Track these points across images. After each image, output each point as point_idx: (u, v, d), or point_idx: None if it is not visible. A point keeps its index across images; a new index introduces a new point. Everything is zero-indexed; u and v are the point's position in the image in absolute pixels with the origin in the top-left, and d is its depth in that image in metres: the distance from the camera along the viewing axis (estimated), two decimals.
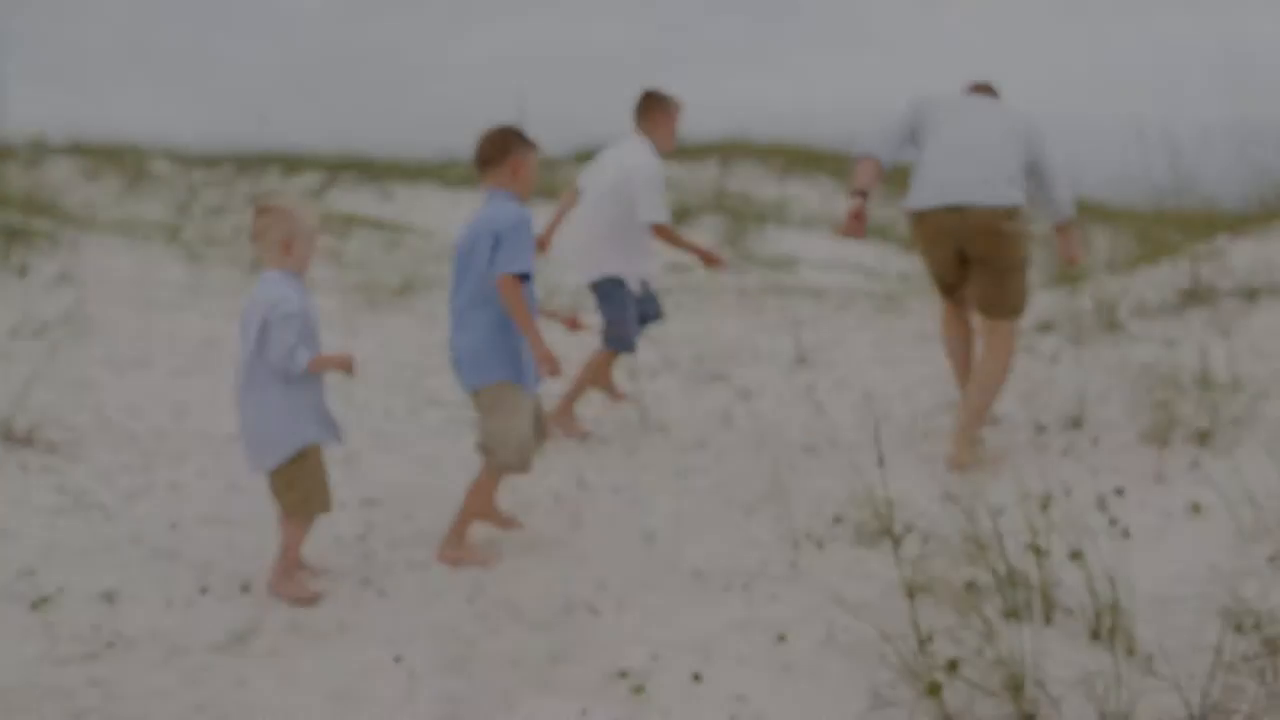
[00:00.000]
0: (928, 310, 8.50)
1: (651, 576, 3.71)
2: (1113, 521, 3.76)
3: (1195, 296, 6.41)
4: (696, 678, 2.95)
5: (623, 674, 2.99)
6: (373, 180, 19.57)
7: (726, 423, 5.63)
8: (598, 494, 4.60)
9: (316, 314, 3.79)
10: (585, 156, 23.68)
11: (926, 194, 4.77)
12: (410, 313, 9.07)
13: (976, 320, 4.97)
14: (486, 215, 3.96)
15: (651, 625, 3.34)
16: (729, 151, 24.06)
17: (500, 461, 3.92)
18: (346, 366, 3.70)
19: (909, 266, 14.44)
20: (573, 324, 4.64)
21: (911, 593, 2.56)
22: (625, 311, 5.57)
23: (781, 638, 3.14)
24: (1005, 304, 4.78)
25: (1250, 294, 6.18)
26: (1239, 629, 2.86)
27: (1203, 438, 4.42)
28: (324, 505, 3.70)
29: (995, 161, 4.74)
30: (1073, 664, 2.76)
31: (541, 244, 5.70)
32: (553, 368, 3.89)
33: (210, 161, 17.91)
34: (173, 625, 3.33)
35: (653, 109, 5.58)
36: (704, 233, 16.77)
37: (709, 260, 5.69)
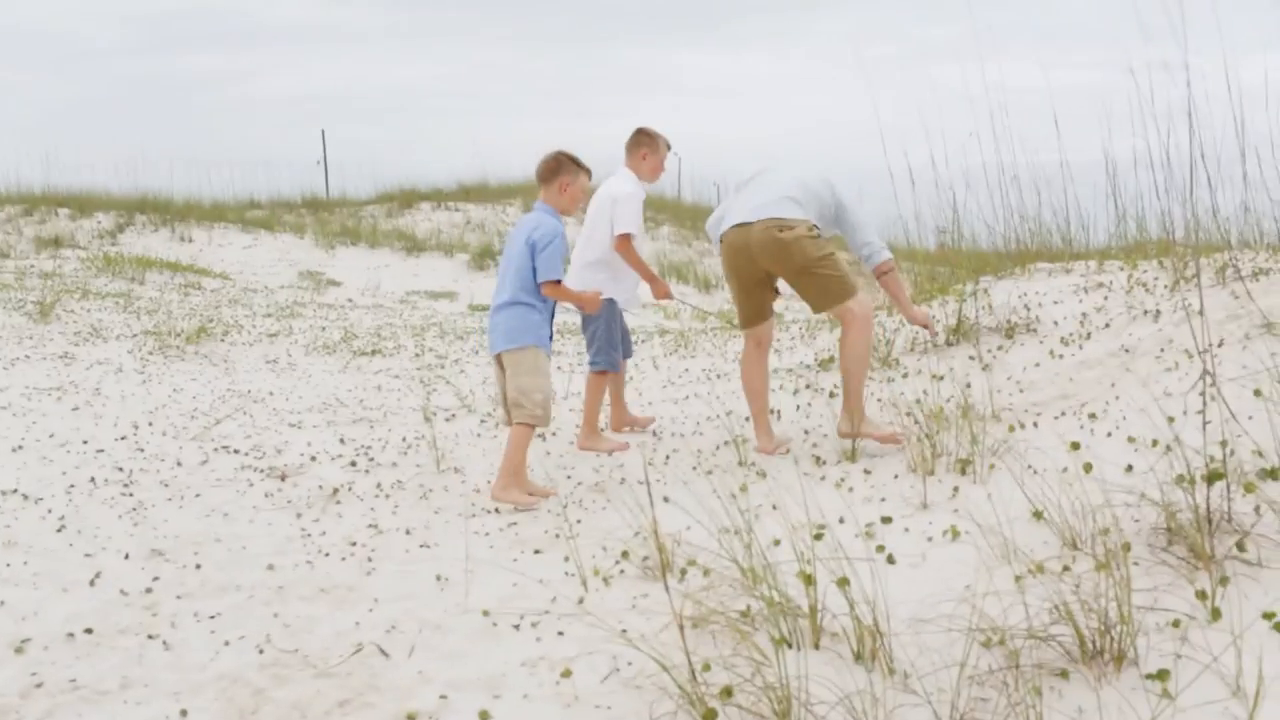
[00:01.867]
0: (717, 350, 8.79)
1: (442, 618, 3.75)
2: (879, 549, 4.00)
3: (961, 333, 6.84)
4: (484, 716, 3.01)
5: (411, 717, 3.04)
6: (169, 222, 19.02)
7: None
8: (390, 537, 4.62)
9: None
10: (387, 198, 23.61)
11: (723, 226, 5.44)
12: (205, 359, 8.87)
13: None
14: (530, 222, 5.07)
15: (441, 666, 3.39)
16: (532, 193, 24.26)
17: (528, 413, 4.96)
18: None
19: (708, 306, 14.82)
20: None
21: (682, 625, 2.69)
22: (611, 331, 6.12)
23: (567, 673, 3.24)
24: (827, 294, 5.30)
25: (1008, 330, 6.62)
26: (986, 645, 3.10)
27: (963, 467, 4.74)
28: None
29: (771, 186, 5.38)
30: (837, 685, 2.93)
31: None
32: (594, 297, 5.35)
33: None
34: None
35: (640, 144, 6.28)
36: None
37: (658, 291, 6.41)
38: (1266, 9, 5.39)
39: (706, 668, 3.10)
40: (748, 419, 6.22)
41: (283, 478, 5.42)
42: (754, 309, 5.57)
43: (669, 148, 6.35)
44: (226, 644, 3.54)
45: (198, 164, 27.01)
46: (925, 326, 5.98)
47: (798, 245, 5.19)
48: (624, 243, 6.04)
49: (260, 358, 9.17)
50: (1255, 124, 6.07)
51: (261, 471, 5.53)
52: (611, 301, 6.08)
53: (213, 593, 3.97)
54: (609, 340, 6.13)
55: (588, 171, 5.24)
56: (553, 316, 5.17)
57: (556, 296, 5.08)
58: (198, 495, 5.16)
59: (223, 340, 9.75)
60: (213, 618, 3.75)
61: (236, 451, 5.93)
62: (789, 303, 14.72)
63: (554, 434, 6.37)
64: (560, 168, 5.15)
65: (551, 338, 5.18)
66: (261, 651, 3.50)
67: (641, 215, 6.14)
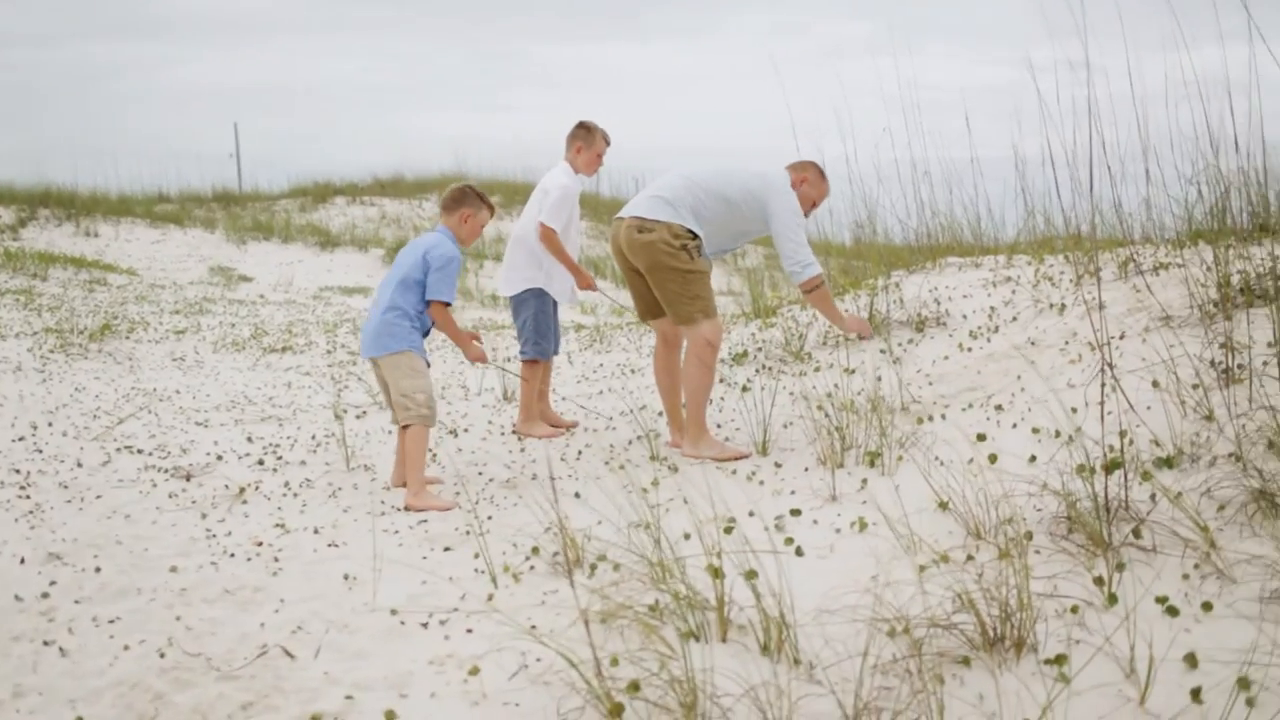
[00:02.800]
0: (632, 345, 8.80)
1: (350, 618, 3.71)
2: (788, 541, 4.03)
3: (873, 326, 6.91)
4: (389, 716, 2.98)
5: (315, 718, 2.99)
6: (74, 216, 18.56)
7: (432, 460, 5.67)
8: (298, 536, 4.55)
9: None
10: (300, 192, 23.30)
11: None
12: (109, 357, 8.67)
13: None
14: (429, 241, 5.11)
15: (348, 667, 3.35)
16: (448, 187, 24.09)
17: (415, 414, 4.97)
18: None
19: (627, 300, 14.85)
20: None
21: (587, 621, 2.68)
22: (540, 322, 6.31)
23: (474, 671, 3.22)
24: (672, 307, 5.33)
25: (919, 324, 6.71)
26: (891, 634, 3.14)
27: (872, 459, 4.79)
28: None
29: (655, 185, 5.40)
30: (743, 677, 2.95)
31: None
32: (479, 354, 5.21)
33: None
34: None
35: (576, 137, 6.40)
36: None
37: (582, 282, 6.44)
38: (1166, 10, 5.51)
39: (615, 662, 3.10)
40: (660, 414, 6.23)
41: (187, 477, 5.32)
42: (644, 303, 5.66)
43: (608, 142, 6.46)
44: (126, 648, 3.46)
45: (104, 156, 26.36)
46: (861, 334, 6.07)
47: (651, 249, 5.25)
48: (546, 233, 6.18)
49: (167, 355, 8.99)
50: (1157, 122, 6.20)
51: (166, 472, 5.42)
52: (543, 293, 6.31)
53: (112, 596, 3.88)
54: (536, 330, 6.31)
55: (491, 208, 5.30)
56: (426, 334, 5.18)
57: (439, 321, 5.11)
58: (99, 497, 5.04)
59: (128, 338, 9.54)
60: (112, 622, 3.66)
61: (140, 451, 5.80)
62: None
63: (466, 430, 6.33)
64: (464, 199, 5.23)
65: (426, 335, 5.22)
66: (163, 655, 3.43)
67: (570, 209, 6.28)
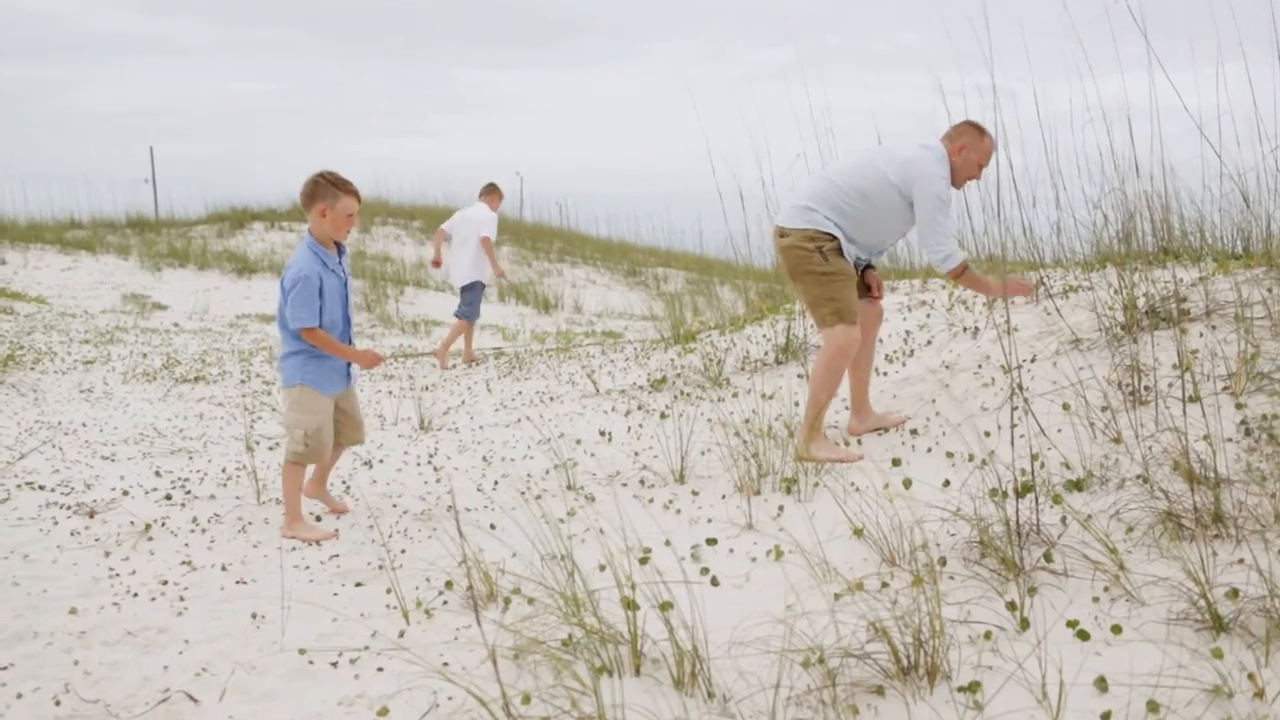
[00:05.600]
0: (551, 372, 8.75)
1: (257, 658, 3.61)
2: (703, 571, 4.00)
3: (790, 352, 6.94)
4: None
5: None
6: None
7: (345, 493, 5.57)
8: (205, 574, 4.43)
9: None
10: (218, 218, 22.95)
11: None
12: (12, 389, 8.42)
13: None
14: (290, 263, 4.83)
15: (254, 710, 3.25)
16: (368, 213, 23.92)
17: (291, 450, 4.89)
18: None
19: (549, 326, 14.79)
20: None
21: (495, 658, 2.63)
22: (476, 298, 10.71)
23: (384, 712, 3.14)
24: (813, 315, 5.32)
25: None
26: (806, 665, 3.12)
27: (789, 486, 4.79)
28: None
29: (796, 192, 5.37)
30: (654, 713, 2.91)
31: (435, 263, 11.58)
32: (372, 358, 4.95)
33: None
34: None
35: (490, 191, 10.93)
36: None
37: (497, 270, 10.89)
38: (1071, 38, 5.62)
39: (526, 700, 3.04)
40: (578, 442, 6.19)
41: (91, 514, 5.16)
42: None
43: (503, 197, 11.12)
44: (19, 696, 3.33)
45: (11, 180, 25.74)
46: (1023, 295, 5.60)
47: (788, 253, 5.20)
48: (486, 245, 10.60)
49: (74, 386, 8.76)
50: (1065, 147, 6.32)
51: (68, 509, 5.26)
52: (481, 284, 10.76)
53: (6, 642, 3.73)
54: (472, 303, 10.67)
55: (353, 194, 4.84)
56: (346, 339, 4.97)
57: (316, 344, 4.83)
58: None
59: (33, 369, 9.29)
60: (4, 669, 3.51)
61: (42, 488, 5.62)
62: (629, 323, 14.78)
63: (381, 461, 6.23)
64: (316, 193, 4.79)
65: (350, 366, 5.03)
66: (58, 703, 3.30)
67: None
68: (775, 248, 5.36)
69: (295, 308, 4.73)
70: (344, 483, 5.74)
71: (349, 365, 4.98)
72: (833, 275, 5.14)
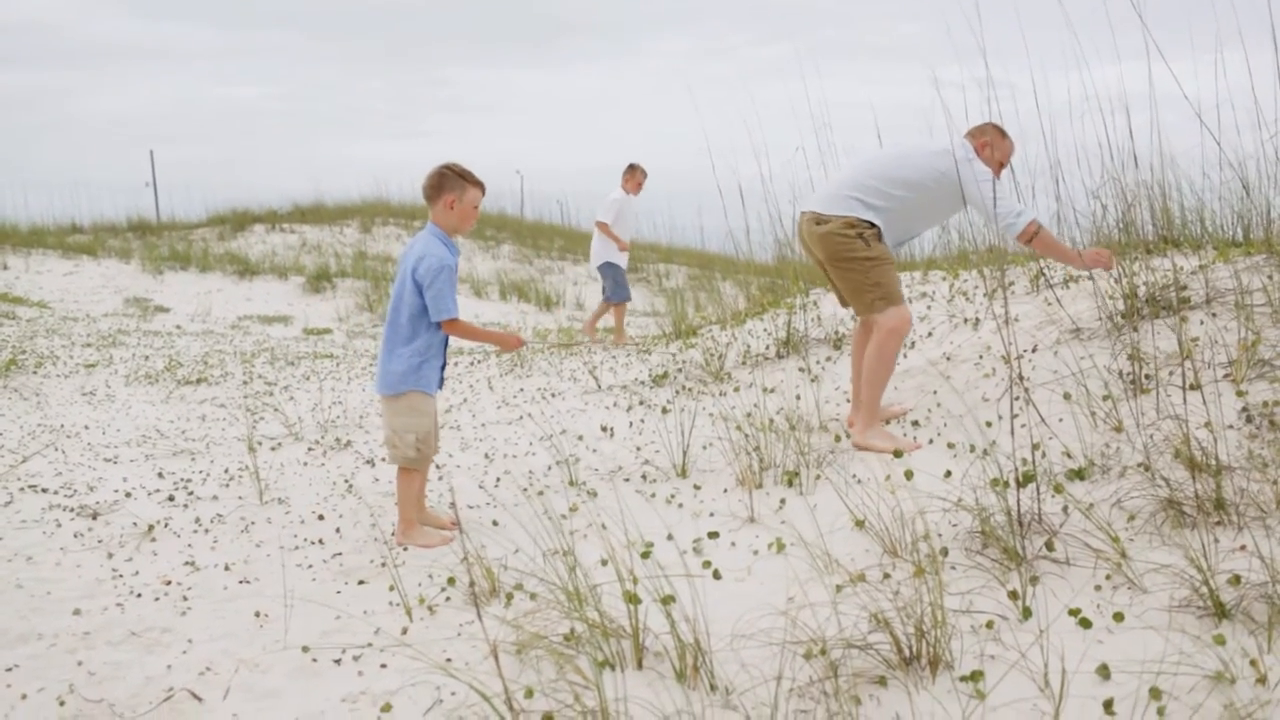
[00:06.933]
0: (553, 369, 8.75)
1: (261, 657, 3.61)
2: (705, 564, 4.00)
3: (791, 345, 6.93)
4: None
5: None
6: None
7: (348, 491, 5.57)
8: (208, 574, 4.43)
9: None
10: (218, 221, 22.96)
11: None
12: (15, 393, 8.43)
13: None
14: (416, 251, 4.71)
15: (258, 708, 3.26)
16: (369, 213, 23.93)
17: (400, 454, 4.75)
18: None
19: (550, 323, 14.79)
20: None
21: (497, 653, 2.63)
22: (612, 279, 10.83)
23: (387, 708, 3.14)
24: (855, 296, 5.19)
25: (836, 342, 6.74)
26: (808, 656, 3.12)
27: (790, 479, 4.78)
28: None
29: (833, 180, 5.28)
30: (657, 706, 2.91)
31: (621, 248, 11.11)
32: (515, 341, 4.94)
33: None
34: None
35: (625, 172, 10.91)
36: (346, 295, 16.56)
37: (621, 247, 10.90)
38: (1067, 29, 5.61)
39: (529, 694, 3.05)
40: (580, 438, 6.19)
41: (94, 516, 5.16)
42: (838, 291, 5.49)
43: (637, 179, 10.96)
44: (24, 697, 3.33)
45: (14, 186, 25.76)
46: (1105, 267, 5.31)
47: (828, 240, 5.10)
48: (601, 226, 10.94)
49: (76, 390, 8.76)
50: (1064, 137, 6.31)
51: (71, 511, 5.26)
52: (610, 263, 10.88)
53: (11, 643, 3.74)
54: (613, 284, 10.87)
55: (479, 185, 4.81)
56: (446, 345, 4.84)
57: (458, 335, 4.79)
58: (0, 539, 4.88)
59: (35, 372, 9.29)
60: (9, 670, 3.52)
61: (45, 490, 5.63)
62: (631, 319, 14.78)
63: (383, 460, 6.23)
64: (444, 183, 4.75)
65: (444, 366, 4.89)
66: (63, 703, 3.31)
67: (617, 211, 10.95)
68: (806, 236, 5.25)
69: (440, 299, 4.63)
70: (346, 481, 5.75)
71: (444, 367, 4.87)
72: (876, 260, 5.08)
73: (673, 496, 4.91)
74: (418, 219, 23.76)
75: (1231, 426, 4.12)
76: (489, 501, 5.22)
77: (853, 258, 5.08)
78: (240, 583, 4.34)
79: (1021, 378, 4.91)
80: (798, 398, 5.92)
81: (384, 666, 3.46)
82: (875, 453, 4.97)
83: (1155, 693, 2.72)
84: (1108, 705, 2.72)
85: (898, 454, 4.81)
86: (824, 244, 5.14)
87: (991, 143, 5.21)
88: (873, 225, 5.10)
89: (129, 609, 4.07)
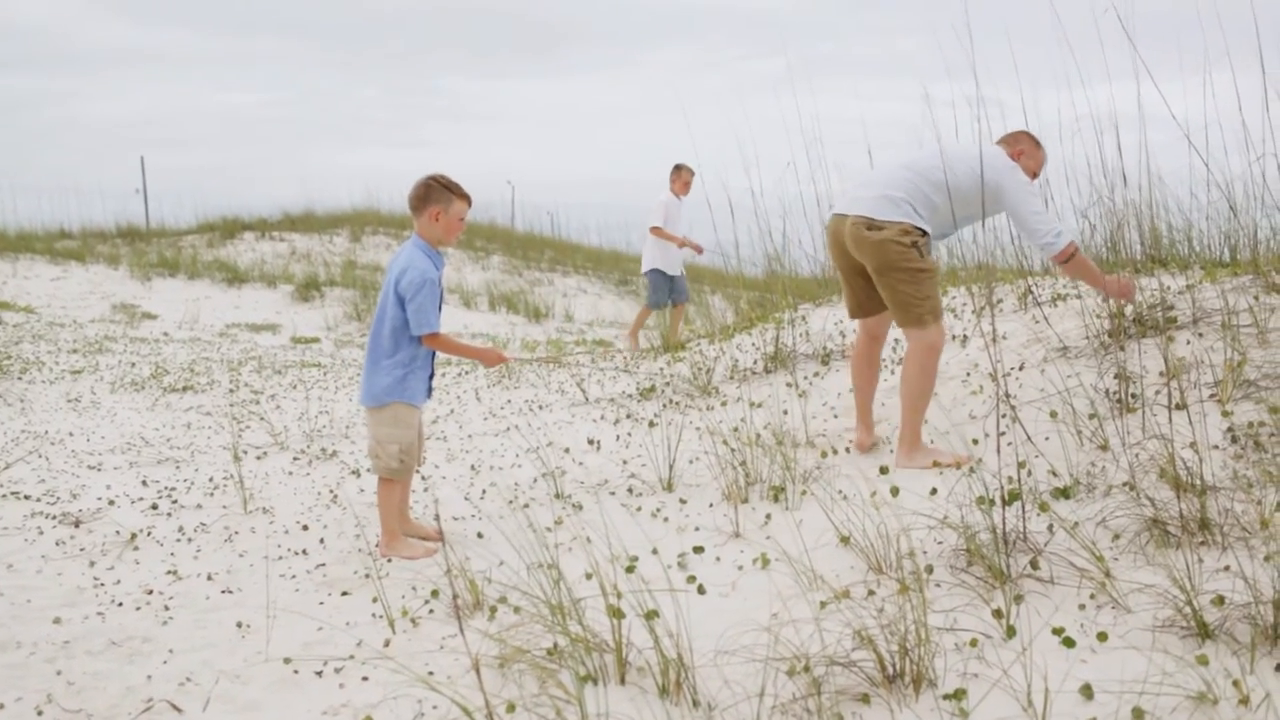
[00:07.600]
0: (540, 381, 8.74)
1: (242, 668, 3.60)
2: (690, 579, 3.99)
3: (778, 360, 6.93)
4: None
5: None
6: None
7: (333, 502, 5.55)
8: (190, 584, 4.41)
9: None
10: (208, 228, 22.92)
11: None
12: None
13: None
14: (400, 264, 4.67)
15: (238, 719, 3.25)
16: (359, 222, 23.90)
17: (383, 465, 4.73)
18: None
19: (539, 335, 14.78)
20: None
21: (479, 667, 2.62)
22: (655, 286, 11.05)
23: None
24: (901, 309, 4.93)
25: (824, 357, 6.74)
26: (791, 673, 3.11)
27: (776, 494, 4.78)
28: None
29: (876, 180, 5.04)
30: None
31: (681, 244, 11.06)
32: (496, 357, 5.00)
33: None
34: None
35: (672, 172, 10.83)
36: (334, 304, 16.52)
37: (695, 248, 11.01)
38: (1058, 48, 5.64)
39: (511, 709, 3.03)
40: (567, 450, 6.18)
41: (76, 524, 5.13)
42: (855, 300, 5.29)
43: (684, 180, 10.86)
44: (1, 707, 3.31)
45: (1, 191, 25.69)
46: (1126, 298, 5.26)
47: (883, 249, 4.86)
48: (655, 231, 10.91)
49: (61, 396, 8.72)
50: (1053, 156, 6.32)
51: (54, 518, 5.23)
52: (657, 270, 10.97)
53: None
54: (653, 290, 11.06)
55: (465, 198, 4.75)
56: (432, 355, 4.79)
57: (440, 349, 4.76)
58: None
59: (20, 378, 9.25)
60: None
61: (27, 497, 5.59)
62: (620, 332, 14.76)
63: (368, 470, 6.21)
64: (429, 195, 4.69)
65: (432, 376, 4.85)
66: (40, 713, 3.29)
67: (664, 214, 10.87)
68: (852, 241, 4.98)
69: (422, 313, 4.58)
70: (331, 491, 5.73)
71: (431, 377, 4.84)
72: (929, 272, 4.93)
73: (658, 510, 4.90)
74: (408, 229, 23.71)
75: (1217, 447, 4.13)
76: (474, 514, 5.20)
77: (908, 268, 4.87)
78: (223, 593, 4.32)
79: (1008, 395, 4.92)
80: (785, 413, 5.92)
81: (366, 679, 3.45)
82: (917, 468, 4.87)
83: (1138, 713, 2.71)
84: None
85: (883, 471, 4.80)
86: (878, 252, 4.89)
87: (1027, 151, 5.13)
88: (925, 233, 4.94)
89: (110, 618, 4.05)
